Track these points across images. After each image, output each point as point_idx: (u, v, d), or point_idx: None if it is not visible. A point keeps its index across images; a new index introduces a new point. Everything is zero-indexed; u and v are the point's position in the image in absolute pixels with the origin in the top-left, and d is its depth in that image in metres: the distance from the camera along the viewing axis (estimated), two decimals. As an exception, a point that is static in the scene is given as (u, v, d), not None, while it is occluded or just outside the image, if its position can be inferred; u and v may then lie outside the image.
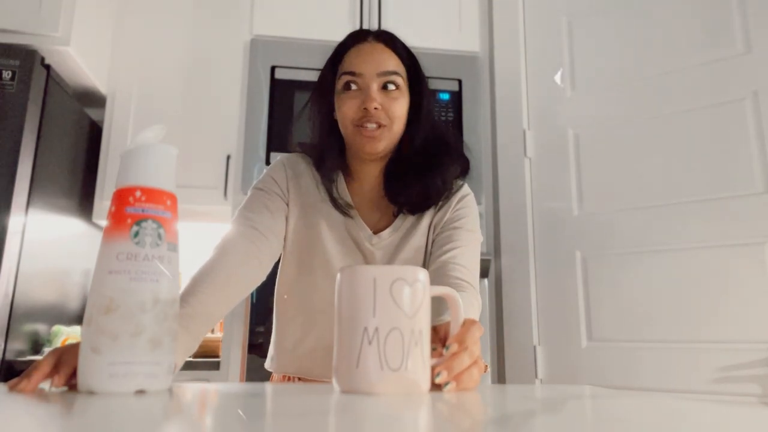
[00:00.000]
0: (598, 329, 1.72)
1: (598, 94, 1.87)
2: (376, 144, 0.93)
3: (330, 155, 0.99)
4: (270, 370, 1.03)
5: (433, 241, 0.98)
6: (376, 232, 0.99)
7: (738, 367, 1.49)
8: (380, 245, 0.98)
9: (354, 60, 0.93)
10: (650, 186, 1.71)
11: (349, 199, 1.00)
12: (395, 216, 0.99)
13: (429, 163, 0.96)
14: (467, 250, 0.94)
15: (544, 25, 2.03)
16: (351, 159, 1.01)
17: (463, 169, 1.01)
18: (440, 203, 0.99)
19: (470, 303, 0.84)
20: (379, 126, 0.92)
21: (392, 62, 0.94)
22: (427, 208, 0.98)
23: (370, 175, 1.00)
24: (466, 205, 1.00)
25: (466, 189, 1.03)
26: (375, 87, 0.91)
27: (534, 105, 2.00)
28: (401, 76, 0.94)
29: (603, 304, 1.73)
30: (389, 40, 0.96)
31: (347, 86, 0.93)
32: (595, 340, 1.73)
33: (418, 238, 0.98)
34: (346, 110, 0.93)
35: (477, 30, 2.17)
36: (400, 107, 0.93)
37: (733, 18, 1.66)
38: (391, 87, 0.93)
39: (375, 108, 0.91)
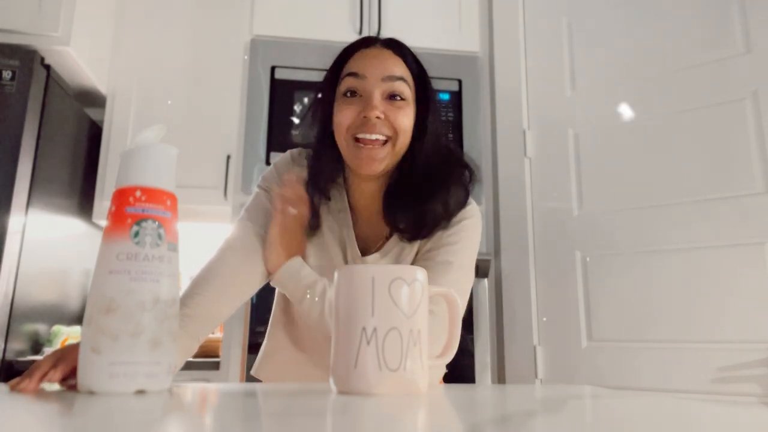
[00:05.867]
0: (598, 329, 1.72)
1: (598, 94, 1.87)
2: (375, 164, 0.83)
3: (323, 171, 0.90)
4: (255, 376, 1.02)
5: None
6: (364, 251, 0.92)
7: (738, 367, 1.49)
8: None
9: (358, 62, 0.86)
10: (650, 186, 1.71)
11: (347, 214, 0.92)
12: (387, 238, 0.91)
13: (432, 185, 0.87)
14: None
15: (544, 25, 2.03)
16: (348, 172, 0.92)
17: (466, 195, 0.91)
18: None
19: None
20: (386, 141, 0.83)
21: (399, 69, 0.86)
22: (425, 236, 0.88)
23: (367, 192, 0.91)
24: (458, 231, 0.88)
25: (466, 211, 0.91)
26: (378, 94, 0.83)
27: (534, 105, 2.00)
28: (408, 85, 0.86)
29: (603, 304, 1.73)
30: (398, 47, 0.89)
31: (348, 91, 0.85)
32: (595, 341, 1.73)
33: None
34: (341, 117, 0.84)
35: (477, 30, 2.17)
36: (405, 118, 0.84)
37: (733, 18, 1.66)
38: (397, 97, 0.84)
39: (377, 117, 0.82)
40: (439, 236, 0.88)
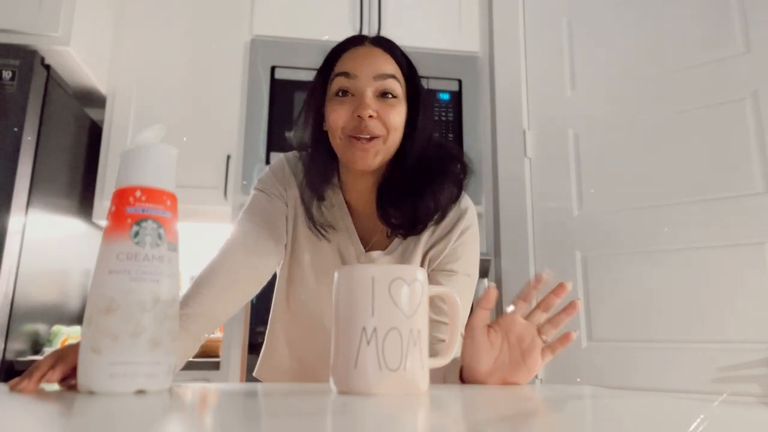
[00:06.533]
0: (598, 329, 1.72)
1: (598, 94, 1.86)
2: (370, 159, 0.84)
3: (318, 172, 0.90)
4: (257, 377, 1.02)
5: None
6: (368, 250, 0.92)
7: (738, 367, 1.49)
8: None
9: (349, 62, 0.86)
10: (650, 186, 1.71)
11: (345, 211, 0.93)
12: (388, 237, 0.92)
13: (423, 182, 0.87)
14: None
15: (544, 25, 2.03)
16: (343, 170, 0.93)
17: (459, 191, 0.92)
18: (439, 234, 0.91)
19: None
20: (374, 137, 0.84)
21: (390, 67, 0.86)
22: (418, 232, 0.89)
23: (362, 190, 0.92)
24: (466, 241, 0.91)
25: (468, 219, 0.92)
26: (370, 93, 0.84)
27: (534, 105, 2.00)
28: (399, 83, 0.86)
29: (603, 304, 1.73)
30: (388, 45, 0.89)
31: (340, 91, 0.85)
32: (595, 340, 1.72)
33: None
34: (335, 118, 0.84)
35: (477, 30, 2.17)
36: (397, 116, 0.85)
37: (733, 18, 1.66)
38: (389, 95, 0.85)
39: (370, 116, 0.82)
40: (447, 245, 0.90)
